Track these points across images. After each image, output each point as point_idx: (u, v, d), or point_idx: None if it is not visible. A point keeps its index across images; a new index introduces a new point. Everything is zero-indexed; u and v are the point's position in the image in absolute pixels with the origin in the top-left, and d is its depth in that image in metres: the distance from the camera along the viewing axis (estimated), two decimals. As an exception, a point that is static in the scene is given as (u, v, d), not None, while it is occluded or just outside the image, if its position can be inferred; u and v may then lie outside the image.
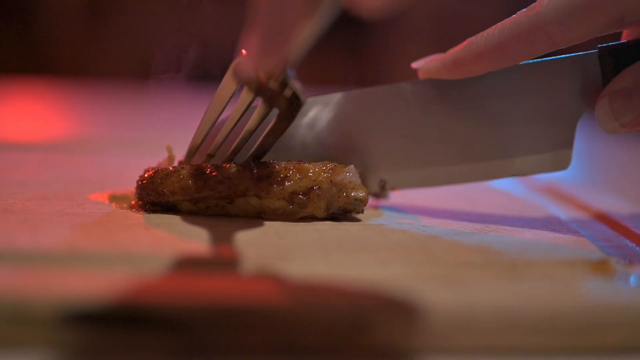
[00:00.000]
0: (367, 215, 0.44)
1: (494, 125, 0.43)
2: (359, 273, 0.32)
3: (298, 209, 0.41)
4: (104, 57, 1.75)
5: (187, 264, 0.32)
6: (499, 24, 0.40)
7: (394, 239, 0.38)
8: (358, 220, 0.43)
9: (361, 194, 0.41)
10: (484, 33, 0.40)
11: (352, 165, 0.42)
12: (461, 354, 0.28)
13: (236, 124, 0.40)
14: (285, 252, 0.34)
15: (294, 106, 0.39)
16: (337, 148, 0.45)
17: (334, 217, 0.42)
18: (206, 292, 0.28)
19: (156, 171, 0.41)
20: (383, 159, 0.45)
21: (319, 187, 0.40)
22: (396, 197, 0.50)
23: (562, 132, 0.42)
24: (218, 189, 0.40)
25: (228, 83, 0.39)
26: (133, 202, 0.43)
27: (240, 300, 0.28)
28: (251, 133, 0.41)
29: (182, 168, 0.41)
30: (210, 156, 0.42)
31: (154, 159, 0.45)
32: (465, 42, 0.41)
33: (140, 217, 0.40)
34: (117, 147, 0.72)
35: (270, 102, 0.39)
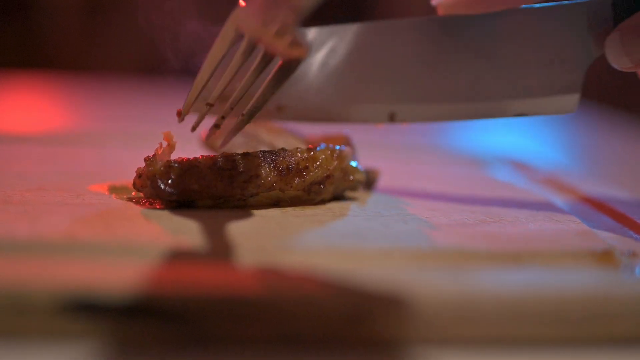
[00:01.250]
0: (368, 203, 0.43)
1: (503, 65, 0.43)
2: (361, 264, 0.32)
3: (313, 197, 0.42)
4: (104, 52, 1.75)
5: (187, 255, 0.32)
6: None
7: (396, 230, 0.38)
8: (355, 201, 0.43)
9: (360, 177, 0.44)
10: None
11: (349, 148, 0.44)
12: (464, 344, 0.28)
13: (236, 73, 0.39)
14: (287, 243, 0.34)
15: (296, 57, 0.38)
16: (346, 79, 0.45)
17: (335, 197, 0.44)
18: (206, 283, 0.28)
19: (172, 164, 0.39)
20: (394, 91, 0.45)
21: (332, 175, 0.42)
22: (397, 186, 0.50)
23: (571, 75, 0.42)
24: (248, 189, 0.40)
25: (228, 31, 0.38)
26: (134, 193, 0.42)
27: (239, 291, 0.28)
28: (251, 83, 0.40)
29: (201, 161, 0.39)
30: (210, 105, 0.40)
31: (153, 151, 0.45)
32: None
33: (140, 208, 0.40)
34: (116, 139, 0.72)
35: (272, 51, 0.38)
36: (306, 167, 0.41)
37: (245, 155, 0.40)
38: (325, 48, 0.45)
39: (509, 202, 0.47)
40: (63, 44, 1.79)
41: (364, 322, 0.28)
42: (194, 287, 0.28)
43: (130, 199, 0.42)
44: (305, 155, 0.41)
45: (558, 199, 0.50)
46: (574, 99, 0.43)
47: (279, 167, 0.40)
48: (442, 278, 0.30)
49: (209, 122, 0.55)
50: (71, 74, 1.58)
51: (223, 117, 0.40)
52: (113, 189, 0.44)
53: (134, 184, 0.40)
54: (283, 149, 0.41)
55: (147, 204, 0.41)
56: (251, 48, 0.38)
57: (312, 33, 0.45)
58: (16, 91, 1.34)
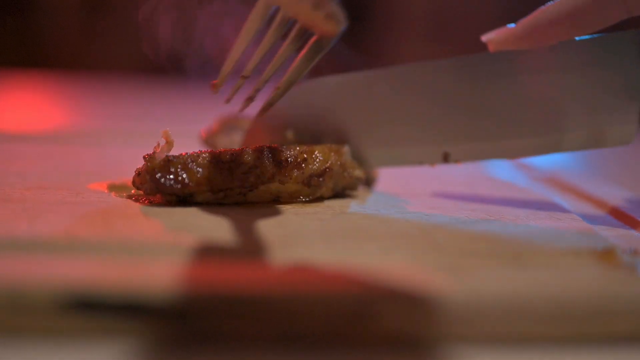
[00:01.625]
0: (367, 201, 0.43)
1: (556, 99, 0.43)
2: (362, 262, 0.32)
3: (313, 191, 0.42)
4: (102, 51, 1.75)
5: (186, 253, 0.32)
6: None
7: (397, 228, 0.38)
8: (355, 199, 0.43)
9: (359, 173, 0.44)
10: (557, 1, 0.40)
11: (347, 146, 0.44)
12: (465, 342, 0.28)
13: (271, 46, 0.39)
14: (287, 241, 0.34)
15: (332, 31, 0.38)
16: (398, 121, 0.45)
17: (336, 195, 0.44)
18: (205, 280, 0.28)
19: (172, 158, 0.39)
20: (446, 131, 0.45)
21: (331, 169, 0.42)
22: (396, 186, 0.50)
23: (627, 106, 0.41)
24: (248, 180, 0.40)
25: (262, 4, 0.38)
26: (133, 191, 0.42)
27: (240, 289, 0.27)
28: (286, 57, 0.40)
29: (200, 155, 0.40)
30: (245, 77, 0.40)
31: (152, 149, 0.44)
32: (536, 11, 0.41)
33: (140, 206, 0.40)
34: (115, 138, 0.72)
35: (306, 26, 0.38)
36: (305, 160, 0.41)
37: (244, 149, 0.40)
38: (375, 91, 0.45)
39: (510, 200, 0.47)
40: (62, 43, 1.78)
41: (366, 320, 0.28)
42: (193, 285, 0.28)
43: (129, 197, 0.41)
44: (304, 148, 0.41)
45: (559, 198, 0.50)
46: (630, 130, 0.41)
47: (277, 159, 0.40)
48: (443, 276, 0.30)
49: (208, 120, 0.55)
50: (70, 73, 1.58)
51: (257, 90, 0.40)
52: (112, 187, 0.44)
53: (133, 182, 0.40)
54: (282, 144, 0.42)
55: (146, 201, 0.41)
56: (286, 21, 0.38)
57: (359, 77, 0.46)
58: (16, 90, 1.34)
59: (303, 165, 0.41)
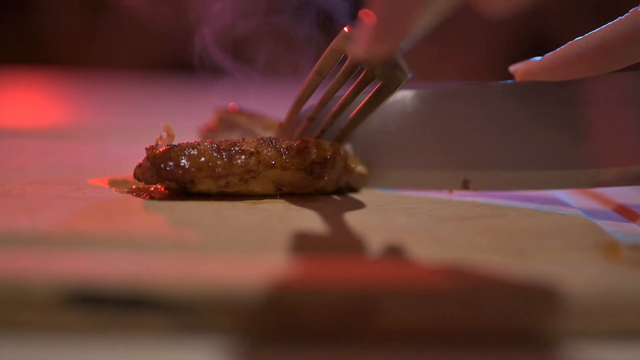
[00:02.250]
0: (369, 196, 0.43)
1: (582, 133, 0.42)
2: (365, 257, 0.31)
3: (315, 181, 0.42)
4: (103, 47, 1.75)
5: (187, 248, 0.31)
6: (601, 27, 0.40)
7: (399, 224, 0.37)
8: (357, 194, 0.43)
9: (362, 169, 0.44)
10: (586, 36, 0.40)
11: (348, 144, 0.44)
12: (467, 338, 0.28)
13: (337, 90, 0.40)
14: (289, 236, 0.34)
15: (397, 80, 0.39)
16: (419, 145, 0.45)
17: (338, 190, 0.44)
18: (208, 275, 0.28)
19: (174, 146, 0.39)
20: (467, 157, 0.44)
21: (333, 159, 0.42)
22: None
23: None
24: (248, 163, 0.40)
25: (332, 52, 0.39)
26: (134, 187, 0.42)
27: (241, 284, 0.27)
28: (351, 100, 0.41)
29: (201, 143, 0.40)
30: (311, 119, 0.42)
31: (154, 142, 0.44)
32: (565, 45, 0.41)
33: (140, 201, 0.39)
34: (116, 134, 0.71)
35: (373, 72, 0.39)
36: (306, 148, 0.41)
37: (244, 141, 0.41)
38: (399, 114, 0.45)
39: (512, 196, 0.47)
40: (63, 40, 1.78)
41: (369, 316, 0.27)
42: (195, 280, 0.27)
43: (130, 192, 0.41)
44: (305, 138, 0.42)
45: (562, 193, 0.50)
46: None
47: (278, 147, 0.41)
48: (446, 272, 0.30)
49: (208, 117, 0.55)
50: (71, 69, 1.58)
51: (323, 131, 0.42)
52: (113, 183, 0.44)
53: (135, 174, 0.40)
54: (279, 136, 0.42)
55: (147, 196, 0.40)
56: (353, 68, 0.39)
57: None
58: (16, 87, 1.34)
59: (304, 152, 0.41)
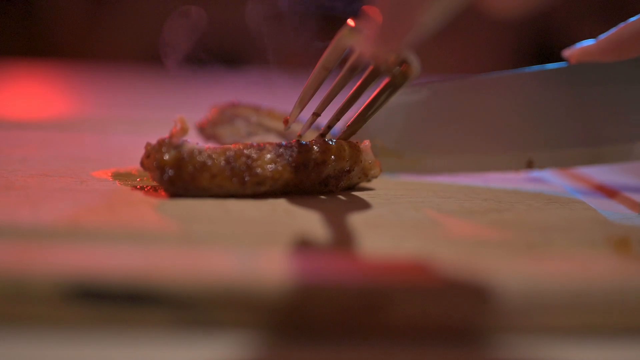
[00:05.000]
0: (378, 190, 0.43)
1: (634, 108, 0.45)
2: (373, 251, 0.31)
3: (324, 188, 0.41)
4: (107, 40, 1.75)
5: (192, 241, 0.31)
6: None
7: (407, 217, 0.37)
8: (365, 189, 0.42)
9: (375, 173, 0.43)
10: (638, 17, 0.42)
11: (369, 142, 0.43)
12: (476, 333, 0.28)
13: (342, 86, 0.40)
14: (295, 230, 0.33)
15: (404, 75, 0.38)
16: (483, 129, 0.48)
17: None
18: (212, 269, 0.27)
19: (183, 158, 0.37)
20: (530, 139, 0.47)
21: (350, 172, 0.41)
22: (407, 175, 0.49)
23: None
24: (261, 189, 0.39)
25: (338, 46, 0.38)
26: (138, 179, 0.42)
27: (246, 278, 0.27)
28: (357, 97, 0.40)
29: (213, 158, 0.38)
30: (316, 115, 0.41)
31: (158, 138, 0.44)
32: (619, 26, 0.43)
33: (144, 194, 0.39)
34: (120, 126, 0.71)
35: (380, 69, 0.38)
36: (324, 162, 0.40)
37: (260, 151, 0.39)
38: (461, 100, 0.47)
39: (522, 190, 0.47)
40: (66, 32, 1.78)
41: (377, 311, 0.27)
42: (199, 274, 0.27)
43: (134, 185, 0.41)
44: (324, 149, 0.40)
45: (571, 187, 0.50)
46: None
47: (294, 163, 0.39)
48: (454, 266, 0.29)
49: (203, 115, 0.55)
50: (75, 62, 1.58)
51: (329, 127, 0.42)
52: (117, 175, 0.44)
53: (142, 163, 0.39)
54: (299, 142, 0.40)
55: (151, 189, 0.40)
56: (360, 62, 0.38)
57: (443, 86, 0.48)
58: (20, 79, 1.34)
59: (322, 168, 0.40)
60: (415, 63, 0.37)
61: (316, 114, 0.41)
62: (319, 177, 0.40)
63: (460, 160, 0.49)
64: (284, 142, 0.40)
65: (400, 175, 0.50)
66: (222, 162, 0.38)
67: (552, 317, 0.28)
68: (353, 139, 0.43)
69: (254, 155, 0.39)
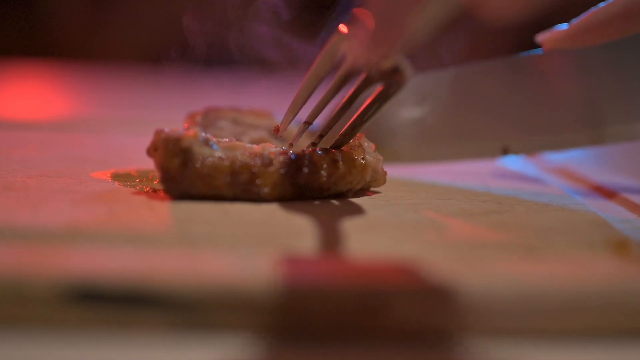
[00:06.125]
0: (377, 191, 0.43)
1: (613, 93, 0.45)
2: (371, 253, 0.31)
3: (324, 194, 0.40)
4: (107, 40, 1.75)
5: (191, 243, 0.31)
6: None
7: (406, 219, 0.37)
8: (366, 196, 0.42)
9: (383, 182, 0.43)
10: (608, 3, 0.42)
11: (376, 153, 0.43)
12: (475, 336, 0.28)
13: (334, 94, 0.39)
14: (294, 232, 0.33)
15: (397, 83, 0.37)
16: (458, 118, 0.48)
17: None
18: (212, 271, 0.27)
19: (187, 165, 0.37)
20: (505, 125, 0.47)
21: (353, 190, 0.41)
22: (407, 175, 0.49)
23: None
24: (259, 199, 0.38)
25: (329, 53, 0.38)
26: (138, 180, 0.42)
27: (245, 280, 0.27)
28: (349, 105, 0.40)
29: (219, 169, 0.37)
30: (308, 123, 0.41)
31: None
32: (589, 12, 0.42)
33: (143, 194, 0.39)
34: (120, 126, 0.71)
35: (372, 76, 0.38)
36: (328, 188, 0.40)
37: (263, 169, 0.38)
38: (435, 91, 0.48)
39: (521, 191, 0.47)
40: (66, 32, 1.78)
41: (376, 313, 0.27)
42: (199, 276, 0.27)
43: (133, 186, 0.41)
44: (334, 174, 0.40)
45: (570, 189, 0.50)
46: None
47: (299, 183, 0.39)
48: (453, 268, 0.29)
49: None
50: (75, 62, 1.57)
51: (321, 136, 0.41)
52: (116, 176, 0.44)
53: (148, 151, 0.39)
54: (310, 162, 0.39)
55: (150, 191, 0.40)
56: (351, 71, 0.38)
57: (421, 78, 0.48)
58: (20, 79, 1.34)
59: (328, 187, 0.39)
60: (407, 69, 0.36)
61: (307, 123, 0.41)
62: (323, 194, 0.40)
63: (435, 149, 0.49)
64: (292, 156, 0.39)
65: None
66: (227, 178, 0.38)
67: (551, 319, 0.28)
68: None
69: (259, 172, 0.38)
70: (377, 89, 0.38)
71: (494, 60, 0.48)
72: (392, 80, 0.37)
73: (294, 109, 0.40)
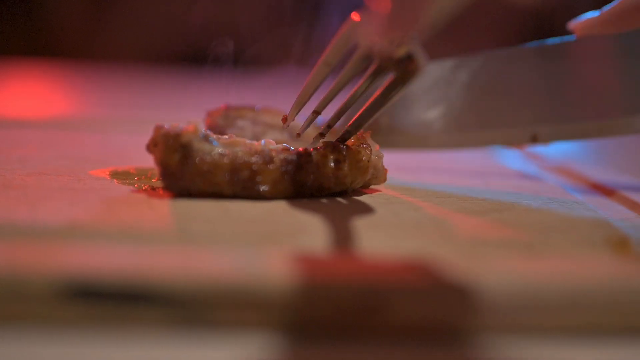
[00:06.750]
0: (377, 191, 0.42)
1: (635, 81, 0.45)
2: (372, 251, 0.31)
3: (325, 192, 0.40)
4: (107, 40, 1.75)
5: (190, 241, 0.31)
6: None
7: (407, 218, 0.37)
8: (366, 194, 0.42)
9: (384, 179, 0.42)
10: None
11: (378, 150, 0.42)
12: (476, 333, 0.27)
13: (346, 84, 0.38)
14: (295, 230, 0.33)
15: (410, 72, 0.36)
16: (488, 105, 0.48)
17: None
18: (211, 268, 0.27)
19: (187, 161, 0.37)
20: (534, 113, 0.47)
21: (353, 188, 0.41)
22: (406, 175, 0.49)
23: None
24: (260, 197, 0.38)
25: (341, 42, 0.37)
26: (136, 178, 0.42)
27: (247, 278, 0.27)
28: (360, 95, 0.39)
29: (219, 166, 0.37)
30: (317, 113, 0.40)
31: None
32: None
33: (142, 192, 0.39)
34: (119, 125, 0.71)
35: (385, 64, 0.36)
36: (334, 184, 0.39)
37: (264, 167, 0.38)
38: (461, 78, 0.48)
39: (522, 190, 0.46)
40: (66, 31, 1.78)
41: (376, 311, 0.27)
42: (197, 274, 0.27)
43: (132, 184, 0.41)
44: (334, 175, 0.39)
45: (570, 188, 0.49)
46: None
47: (300, 181, 0.39)
48: (454, 266, 0.29)
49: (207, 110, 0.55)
50: (74, 61, 1.58)
51: (329, 126, 0.40)
52: (115, 174, 0.44)
53: (148, 147, 0.39)
54: (311, 160, 0.39)
55: (149, 189, 0.40)
56: (363, 58, 0.37)
57: (444, 65, 0.48)
58: (20, 78, 1.34)
59: (329, 188, 0.39)
60: (421, 58, 0.35)
61: (316, 112, 0.40)
62: (322, 193, 0.40)
63: (464, 136, 0.49)
64: (294, 154, 0.39)
65: (405, 151, 0.50)
66: (227, 175, 0.37)
67: (551, 317, 0.28)
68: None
69: (260, 170, 0.38)
70: (389, 79, 0.37)
71: (523, 47, 0.47)
72: (405, 69, 0.35)
73: (303, 99, 0.39)
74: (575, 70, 0.46)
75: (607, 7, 0.43)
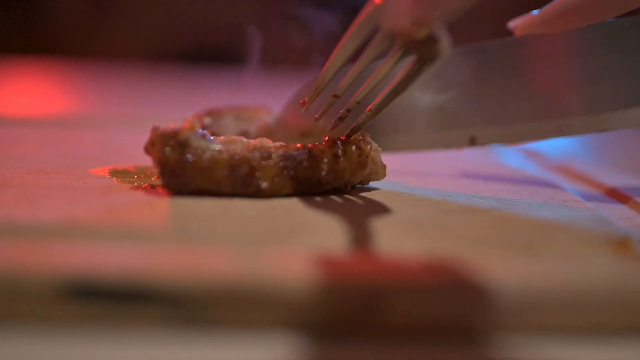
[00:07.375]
0: (376, 188, 0.42)
1: (582, 81, 0.44)
2: (371, 250, 0.31)
3: (323, 188, 0.40)
4: (107, 38, 1.75)
5: (189, 240, 0.31)
6: None
7: (406, 216, 0.37)
8: (365, 192, 0.42)
9: (383, 175, 0.42)
10: None
11: (376, 146, 0.42)
12: (476, 333, 0.27)
13: (366, 66, 0.38)
14: (294, 229, 0.33)
15: (432, 55, 0.35)
16: (425, 107, 0.46)
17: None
18: (211, 267, 0.27)
19: (186, 159, 0.37)
20: (473, 115, 0.46)
21: (351, 183, 0.41)
22: (405, 174, 0.49)
23: None
24: (259, 195, 0.38)
25: (363, 24, 0.36)
26: (136, 176, 0.42)
27: (246, 277, 0.27)
28: (382, 79, 0.38)
29: (218, 162, 0.37)
30: (336, 97, 0.39)
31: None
32: None
33: (141, 191, 0.39)
34: (118, 124, 0.71)
35: (407, 47, 0.35)
36: (328, 182, 0.39)
37: (263, 163, 0.38)
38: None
39: (521, 188, 0.46)
40: (66, 29, 1.78)
41: (375, 310, 0.27)
42: (197, 273, 0.27)
43: (131, 183, 0.41)
44: (332, 170, 0.39)
45: (571, 186, 0.49)
46: None
47: (298, 176, 0.39)
48: (453, 265, 0.29)
49: (200, 108, 0.54)
50: (75, 59, 1.58)
51: (349, 110, 0.39)
52: (114, 173, 0.43)
53: (146, 148, 0.39)
54: (308, 159, 0.39)
55: (149, 187, 0.40)
56: (385, 40, 0.36)
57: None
58: (20, 76, 1.34)
59: (325, 183, 0.39)
60: (444, 40, 0.34)
61: (336, 96, 0.39)
62: (321, 188, 0.40)
63: (403, 137, 0.47)
64: (292, 148, 0.39)
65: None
66: (226, 171, 0.37)
67: (551, 316, 0.28)
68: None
69: (258, 165, 0.38)
70: (410, 62, 0.36)
71: (461, 47, 0.45)
72: (427, 51, 0.34)
73: (322, 83, 0.39)
74: (514, 71, 0.45)
75: (546, 7, 0.43)
